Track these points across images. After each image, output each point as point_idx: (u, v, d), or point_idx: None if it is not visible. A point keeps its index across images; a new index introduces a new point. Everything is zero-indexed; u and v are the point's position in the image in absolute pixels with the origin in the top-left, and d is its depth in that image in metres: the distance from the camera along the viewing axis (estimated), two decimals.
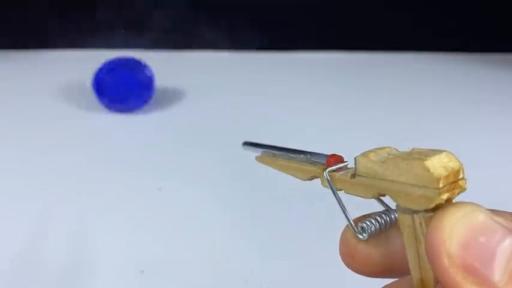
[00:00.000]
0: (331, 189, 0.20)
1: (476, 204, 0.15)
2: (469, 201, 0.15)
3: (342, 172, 0.20)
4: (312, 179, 0.21)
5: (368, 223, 0.19)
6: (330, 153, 0.21)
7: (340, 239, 0.19)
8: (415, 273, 0.17)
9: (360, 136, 0.57)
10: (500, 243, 0.14)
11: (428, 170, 0.16)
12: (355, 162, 0.18)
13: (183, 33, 0.81)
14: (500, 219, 0.15)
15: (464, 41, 0.81)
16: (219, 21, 0.80)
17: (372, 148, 0.18)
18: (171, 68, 0.74)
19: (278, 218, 0.48)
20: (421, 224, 0.16)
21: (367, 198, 0.18)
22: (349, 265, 0.19)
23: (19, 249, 0.45)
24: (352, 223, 0.19)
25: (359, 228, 0.19)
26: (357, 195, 0.19)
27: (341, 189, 0.19)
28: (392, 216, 0.19)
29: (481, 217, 0.15)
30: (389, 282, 0.19)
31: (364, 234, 0.19)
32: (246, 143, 0.26)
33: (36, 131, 0.61)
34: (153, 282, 0.42)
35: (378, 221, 0.19)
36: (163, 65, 0.75)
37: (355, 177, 0.19)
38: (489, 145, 0.58)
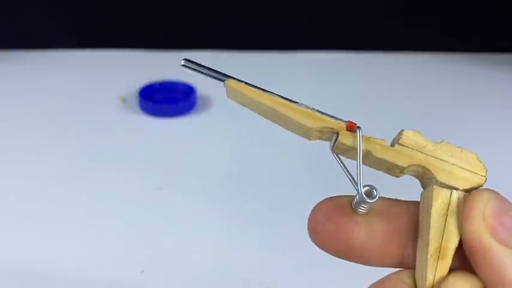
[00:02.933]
0: (359, 147, 0.20)
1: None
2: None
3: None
4: (320, 135, 0.20)
5: (374, 190, 0.20)
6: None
7: (318, 216, 0.20)
8: (434, 242, 0.19)
9: None
10: None
11: (480, 161, 0.20)
12: (400, 133, 0.20)
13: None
14: None
15: (464, 41, 0.81)
16: (219, 21, 0.80)
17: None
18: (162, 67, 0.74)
19: (278, 218, 0.48)
20: (459, 198, 0.20)
21: (398, 164, 0.20)
22: (319, 242, 0.21)
23: (18, 247, 0.45)
24: (361, 192, 0.19)
25: (365, 190, 0.20)
26: (387, 160, 0.20)
27: (365, 149, 0.20)
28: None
29: (508, 202, 0.19)
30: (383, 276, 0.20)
31: (375, 196, 0.20)
32: (188, 62, 0.20)
33: (38, 131, 0.61)
34: (153, 282, 0.42)
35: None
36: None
37: (393, 145, 0.20)
38: (490, 145, 0.58)
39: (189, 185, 0.53)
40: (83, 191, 0.51)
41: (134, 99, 0.66)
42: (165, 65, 0.76)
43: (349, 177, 0.20)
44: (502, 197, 0.19)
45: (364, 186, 0.20)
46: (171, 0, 0.78)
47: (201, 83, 0.67)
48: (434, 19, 0.80)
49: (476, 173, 0.20)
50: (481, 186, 0.20)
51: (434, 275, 0.19)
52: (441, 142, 0.21)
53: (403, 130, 0.21)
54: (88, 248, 0.45)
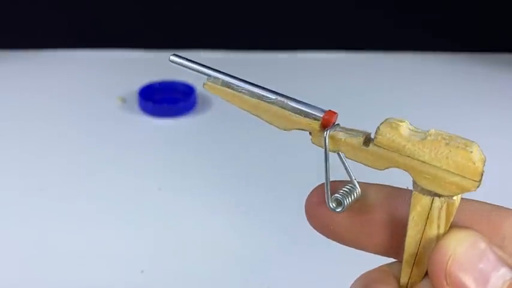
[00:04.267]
0: (325, 153, 0.19)
1: (478, 233, 0.17)
2: (471, 229, 0.17)
3: (345, 134, 0.19)
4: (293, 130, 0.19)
5: (343, 197, 0.19)
6: (326, 109, 0.19)
7: (311, 201, 0.21)
8: (410, 249, 0.18)
9: None
10: (495, 272, 0.16)
11: (474, 163, 0.16)
12: (376, 131, 0.18)
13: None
14: (497, 250, 0.17)
15: (464, 41, 0.81)
16: (219, 21, 0.80)
17: (391, 118, 0.18)
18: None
19: (279, 218, 0.48)
20: (440, 207, 0.17)
21: (375, 168, 0.18)
22: (314, 225, 0.21)
23: (18, 247, 0.45)
24: (329, 195, 0.19)
25: (333, 200, 0.19)
26: (362, 163, 0.18)
27: (339, 151, 0.19)
28: (358, 191, 0.20)
29: (483, 245, 0.17)
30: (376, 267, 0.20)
31: (339, 209, 0.19)
32: (177, 58, 0.21)
33: (37, 131, 0.61)
34: (153, 282, 0.42)
35: (350, 195, 0.19)
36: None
37: (368, 144, 0.18)
38: (490, 145, 0.58)
39: (189, 185, 0.53)
40: (83, 191, 0.51)
41: (134, 99, 0.66)
42: (165, 65, 0.76)
43: (327, 185, 0.19)
44: (476, 242, 0.17)
45: (335, 197, 0.19)
46: (171, 0, 0.78)
47: (201, 83, 0.67)
48: (434, 19, 0.80)
49: (465, 177, 0.17)
50: (471, 191, 0.17)
51: (408, 280, 0.18)
52: (429, 132, 0.17)
53: (379, 127, 0.18)
54: (88, 248, 0.45)
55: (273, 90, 0.20)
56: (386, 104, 0.68)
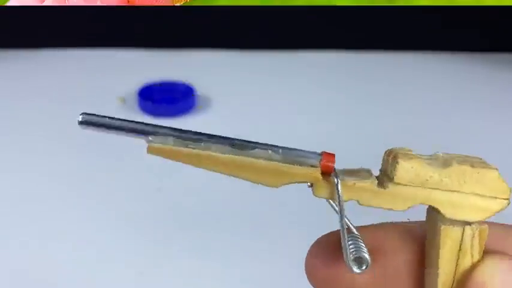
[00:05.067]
0: (340, 206, 0.16)
1: None
2: (506, 253, 0.16)
3: (352, 178, 0.16)
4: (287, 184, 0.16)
5: (358, 251, 0.16)
6: (320, 151, 0.16)
7: (313, 263, 0.18)
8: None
9: (360, 137, 0.57)
10: None
11: (503, 181, 0.16)
12: (394, 167, 0.16)
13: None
14: None
15: (464, 41, 0.81)
16: (219, 21, 0.80)
17: (398, 148, 0.16)
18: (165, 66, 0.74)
19: (279, 218, 0.48)
20: (472, 236, 0.16)
21: (396, 210, 0.16)
22: (316, 285, 0.19)
23: (17, 247, 0.45)
24: (349, 256, 0.16)
25: (353, 260, 0.16)
26: (379, 207, 0.16)
27: (350, 199, 0.16)
28: (362, 239, 0.17)
29: None
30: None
31: (364, 266, 0.16)
32: (87, 118, 0.15)
33: (37, 131, 0.61)
34: (152, 283, 0.42)
35: (362, 246, 0.16)
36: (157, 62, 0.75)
37: (383, 185, 0.16)
38: (490, 145, 0.58)
39: (188, 186, 0.53)
40: (82, 191, 0.51)
41: (134, 99, 0.66)
42: (165, 65, 0.76)
43: (346, 242, 0.16)
44: None
45: (355, 255, 0.16)
46: None
47: (201, 83, 0.67)
48: (433, 18, 0.80)
49: (495, 197, 0.16)
50: (502, 210, 0.16)
51: None
52: (441, 156, 0.16)
53: (397, 161, 0.16)
54: (86, 249, 0.45)
55: (245, 139, 0.16)
56: (387, 104, 0.68)
